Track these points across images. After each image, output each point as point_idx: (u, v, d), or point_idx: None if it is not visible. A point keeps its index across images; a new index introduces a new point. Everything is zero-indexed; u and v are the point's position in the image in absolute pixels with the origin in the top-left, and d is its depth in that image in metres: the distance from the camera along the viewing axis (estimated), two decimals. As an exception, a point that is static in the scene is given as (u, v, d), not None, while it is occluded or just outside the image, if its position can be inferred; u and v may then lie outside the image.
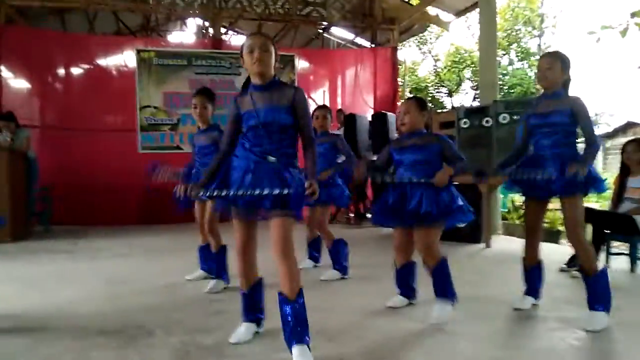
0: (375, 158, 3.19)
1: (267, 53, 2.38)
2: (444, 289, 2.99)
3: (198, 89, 3.96)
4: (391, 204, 2.99)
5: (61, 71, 8.42)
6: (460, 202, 2.98)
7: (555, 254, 4.58)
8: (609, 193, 4.61)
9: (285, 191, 2.26)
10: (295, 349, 2.26)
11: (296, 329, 2.29)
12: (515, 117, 5.43)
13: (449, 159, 3.03)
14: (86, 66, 8.52)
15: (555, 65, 2.94)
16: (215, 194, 2.36)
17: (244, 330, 2.59)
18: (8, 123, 6.53)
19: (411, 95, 3.49)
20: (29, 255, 5.23)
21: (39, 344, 2.56)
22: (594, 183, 2.86)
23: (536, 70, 3.07)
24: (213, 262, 3.87)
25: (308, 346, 2.29)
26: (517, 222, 7.37)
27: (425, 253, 3.00)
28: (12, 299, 3.48)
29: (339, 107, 9.33)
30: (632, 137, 5.00)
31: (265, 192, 2.25)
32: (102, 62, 8.57)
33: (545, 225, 6.67)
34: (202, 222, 3.94)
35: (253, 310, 2.64)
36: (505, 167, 3.13)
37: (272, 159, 2.35)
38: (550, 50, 3.17)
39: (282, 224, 2.34)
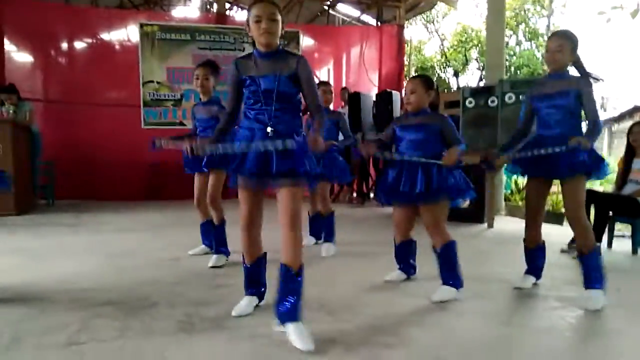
0: (379, 136, 3.18)
1: (275, 22, 2.33)
2: (450, 275, 2.96)
3: (201, 60, 3.94)
4: (392, 182, 3.00)
5: (64, 44, 8.38)
6: (461, 180, 2.98)
7: (558, 235, 4.59)
8: (613, 176, 4.60)
9: (289, 145, 2.23)
10: (292, 326, 2.23)
11: (294, 307, 2.26)
12: (521, 97, 5.38)
13: (447, 140, 3.01)
14: (89, 40, 8.47)
15: (565, 46, 2.88)
16: (221, 151, 2.35)
17: (245, 303, 2.61)
18: (10, 95, 6.50)
19: (418, 74, 3.49)
20: (33, 228, 5.27)
21: (42, 313, 2.59)
22: (597, 166, 2.83)
23: (544, 52, 3.01)
24: (214, 237, 3.90)
25: (301, 322, 2.27)
26: (520, 203, 7.35)
27: (433, 231, 3.00)
28: (16, 271, 3.52)
29: (344, 85, 9.26)
30: (639, 120, 4.96)
31: (269, 147, 2.23)
32: (105, 35, 8.51)
33: (549, 207, 6.67)
34: (200, 196, 3.93)
35: (255, 284, 2.66)
36: (508, 149, 3.11)
37: (269, 129, 2.32)
38: (559, 30, 3.09)
39: (291, 193, 2.31)
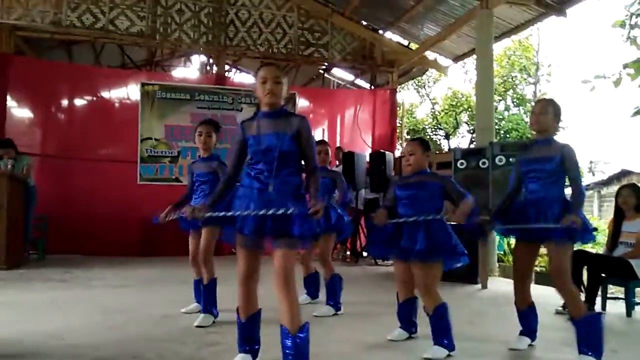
0: (372, 196, 3.28)
1: (279, 85, 2.48)
2: (442, 336, 2.96)
3: (204, 119, 4.06)
4: (390, 234, 3.05)
5: (65, 101, 8.56)
6: (456, 242, 3.03)
7: (552, 297, 4.56)
8: (603, 239, 4.66)
9: (289, 211, 2.28)
10: None
11: None
12: (511, 159, 5.53)
13: (453, 196, 3.09)
14: (90, 97, 8.67)
15: (548, 110, 3.05)
16: (221, 215, 2.41)
17: None
18: (7, 150, 6.56)
19: (415, 137, 3.62)
20: (23, 283, 5.18)
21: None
22: (583, 233, 2.90)
23: (530, 115, 3.18)
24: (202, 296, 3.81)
25: None
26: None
27: (424, 294, 3.05)
28: (6, 326, 3.44)
29: (338, 144, 9.46)
30: (627, 182, 5.10)
31: (270, 212, 2.28)
32: (106, 94, 8.73)
33: (542, 268, 6.69)
34: (195, 254, 3.91)
35: (249, 341, 2.62)
36: (499, 214, 3.19)
37: (270, 188, 2.38)
38: (546, 97, 3.28)
39: (285, 255, 2.36)
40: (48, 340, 3.07)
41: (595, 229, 3.10)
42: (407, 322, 3.29)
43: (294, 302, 2.35)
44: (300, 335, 2.30)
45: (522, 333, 3.19)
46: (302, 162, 2.55)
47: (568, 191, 3.05)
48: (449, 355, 2.92)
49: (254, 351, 2.63)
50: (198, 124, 3.96)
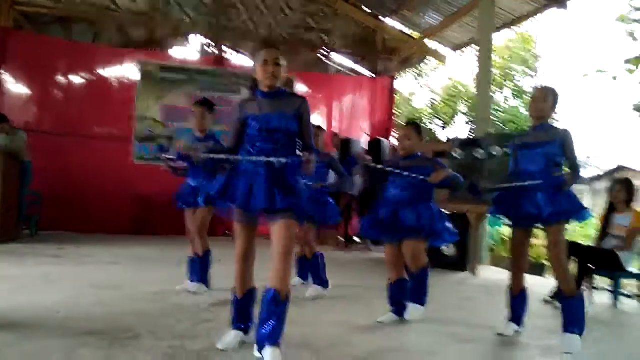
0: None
1: (279, 67, 2.53)
2: (420, 294, 3.27)
3: (199, 99, 4.07)
4: (383, 219, 3.12)
5: (62, 78, 8.50)
6: (447, 223, 3.22)
7: (539, 286, 4.64)
8: (591, 231, 4.72)
9: (283, 160, 2.40)
10: (269, 350, 2.29)
11: (275, 330, 2.33)
12: (506, 150, 5.56)
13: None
14: (88, 75, 8.62)
15: (549, 98, 3.09)
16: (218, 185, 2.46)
17: (232, 337, 2.61)
18: (3, 124, 6.55)
19: (410, 121, 3.69)
20: (16, 258, 5.20)
21: (25, 341, 2.56)
22: (578, 211, 2.97)
23: (530, 101, 3.19)
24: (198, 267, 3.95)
25: (279, 348, 2.33)
26: (504, 254, 7.45)
27: (412, 259, 3.24)
28: (-1, 298, 3.48)
29: (335, 131, 9.46)
30: (620, 178, 5.15)
31: (263, 159, 2.40)
32: (104, 72, 8.68)
33: (530, 258, 6.76)
34: (191, 231, 3.99)
35: (243, 319, 2.66)
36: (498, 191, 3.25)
37: (281, 160, 2.42)
38: (544, 85, 3.30)
39: (287, 225, 2.42)
40: (41, 313, 3.10)
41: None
42: (398, 304, 3.34)
43: (289, 272, 2.43)
44: (286, 302, 2.38)
45: (510, 319, 3.24)
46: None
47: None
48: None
49: (247, 328, 2.68)
50: (193, 103, 3.99)
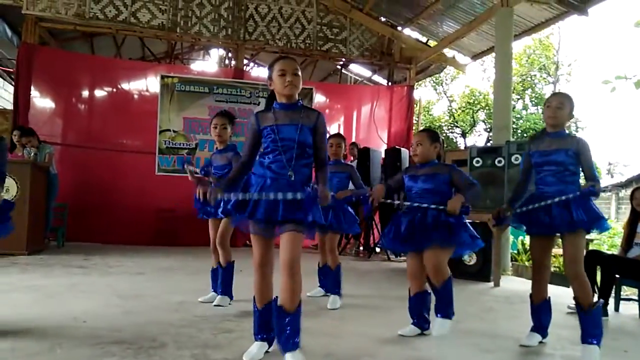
0: (388, 182, 3.34)
1: (297, 77, 2.55)
2: (446, 307, 3.16)
3: (223, 111, 4.15)
4: (403, 230, 3.10)
5: (86, 92, 8.74)
6: (470, 230, 3.15)
7: (564, 296, 4.58)
8: (619, 241, 4.64)
9: (299, 196, 2.40)
10: (289, 355, 2.41)
11: (290, 337, 2.44)
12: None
13: (459, 186, 3.17)
14: (111, 89, 8.84)
15: (565, 105, 3.06)
16: (233, 198, 2.49)
17: (256, 349, 2.61)
18: (30, 138, 6.76)
19: (424, 128, 3.68)
20: (44, 268, 5.33)
21: (52, 350, 2.63)
22: (597, 221, 2.93)
23: (545, 108, 3.15)
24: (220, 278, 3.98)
25: (299, 351, 2.45)
26: (527, 263, 7.35)
27: (434, 272, 3.14)
28: (27, 307, 3.57)
29: (353, 140, 9.49)
30: (642, 184, 5.06)
31: (279, 197, 2.39)
32: (126, 85, 8.89)
33: (555, 268, 6.66)
34: (214, 240, 4.03)
35: (266, 329, 2.67)
36: (514, 203, 3.22)
37: (291, 176, 2.48)
38: (560, 91, 3.28)
39: (292, 239, 2.46)
40: (69, 322, 3.18)
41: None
42: (419, 317, 3.30)
43: (296, 285, 2.48)
44: (298, 311, 2.46)
45: (533, 329, 3.21)
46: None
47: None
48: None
49: (270, 339, 2.69)
50: (213, 116, 4.04)
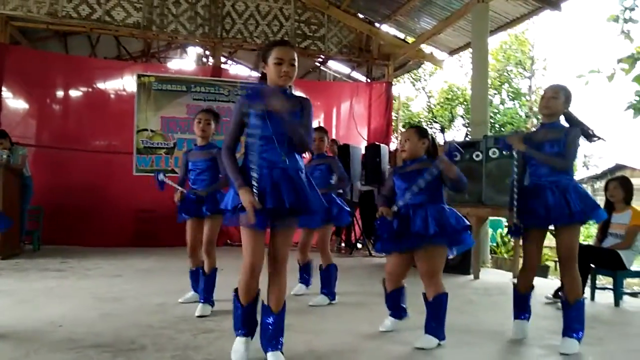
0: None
1: (294, 68, 2.48)
2: (436, 326, 2.98)
3: (205, 107, 4.09)
4: (397, 229, 2.99)
5: (60, 92, 8.54)
6: (467, 222, 3.05)
7: (543, 287, 4.65)
8: (593, 231, 4.72)
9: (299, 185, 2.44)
10: (271, 355, 2.44)
11: (274, 337, 2.47)
12: (504, 152, 5.58)
13: (447, 180, 3.04)
14: (86, 88, 8.66)
15: (559, 95, 3.06)
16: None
17: (242, 346, 2.52)
18: (2, 140, 6.58)
19: (412, 124, 3.65)
20: (19, 273, 5.22)
21: (29, 355, 2.58)
22: (594, 210, 2.96)
23: (540, 99, 3.17)
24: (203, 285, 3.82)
25: (281, 351, 2.48)
26: (506, 255, 7.46)
27: (429, 281, 3.01)
28: (1, 312, 3.49)
29: (333, 137, 9.49)
30: (615, 176, 5.17)
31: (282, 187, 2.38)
32: (101, 85, 8.72)
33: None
34: (194, 243, 3.91)
35: (250, 323, 2.58)
36: (513, 204, 3.14)
37: (285, 161, 2.44)
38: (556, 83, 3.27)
39: (288, 235, 2.47)
40: (45, 327, 3.12)
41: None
42: (396, 308, 3.30)
43: (283, 286, 2.50)
44: (282, 312, 2.49)
45: (520, 317, 3.19)
46: None
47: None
48: (438, 345, 2.96)
49: (252, 332, 2.61)
50: (197, 112, 3.96)
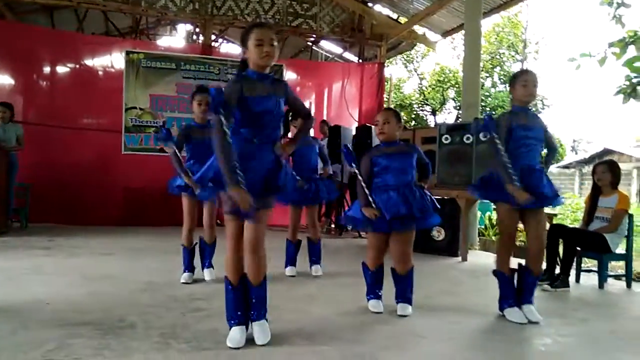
0: (360, 180, 3.25)
1: (274, 47, 2.50)
2: (409, 294, 3.28)
3: (202, 86, 4.06)
4: (393, 210, 3.10)
5: (47, 68, 8.37)
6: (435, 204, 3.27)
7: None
8: (580, 215, 4.76)
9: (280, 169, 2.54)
10: (256, 324, 2.56)
11: (257, 308, 2.56)
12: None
13: (420, 166, 3.33)
14: (73, 65, 8.49)
15: (537, 84, 3.22)
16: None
17: (238, 334, 2.52)
18: (5, 109, 6.66)
19: (388, 107, 3.69)
20: (6, 251, 5.18)
21: (17, 332, 2.57)
22: (559, 196, 3.24)
23: (524, 85, 3.18)
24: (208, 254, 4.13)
25: (266, 319, 2.59)
26: (494, 238, 7.53)
27: (404, 260, 3.24)
28: (-10, 290, 3.47)
29: (324, 118, 9.45)
30: (603, 160, 5.21)
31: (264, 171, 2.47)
32: (89, 61, 8.55)
33: (520, 242, 6.85)
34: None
35: (242, 307, 2.56)
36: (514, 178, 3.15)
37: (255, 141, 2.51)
38: (530, 70, 3.37)
39: (261, 217, 2.49)
40: (32, 306, 3.10)
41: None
42: (379, 287, 3.38)
43: (262, 260, 2.55)
44: (263, 284, 2.57)
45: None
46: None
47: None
48: None
49: (246, 321, 2.58)
50: (193, 92, 3.93)
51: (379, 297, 3.36)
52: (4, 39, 7.88)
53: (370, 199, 3.16)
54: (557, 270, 4.43)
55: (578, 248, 4.49)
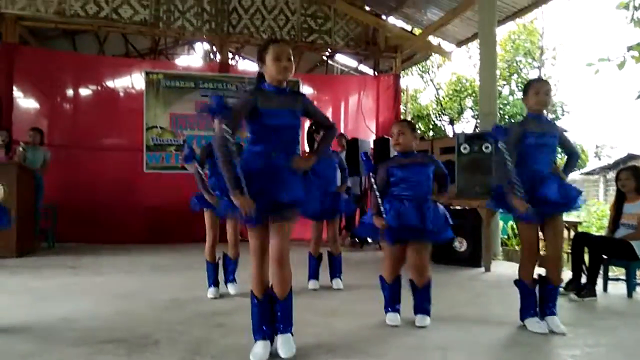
0: (374, 191, 3.28)
1: (291, 63, 2.57)
2: (427, 305, 3.28)
3: None
4: (408, 222, 3.11)
5: (70, 91, 8.59)
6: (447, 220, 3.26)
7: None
8: (606, 222, 4.67)
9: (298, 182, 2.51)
10: (281, 337, 2.56)
11: (282, 321, 2.56)
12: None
13: (439, 177, 3.33)
14: (95, 87, 8.70)
15: (550, 92, 3.23)
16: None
17: (262, 349, 2.53)
18: (36, 133, 6.95)
19: (402, 118, 3.71)
20: (34, 270, 5.29)
21: (46, 351, 2.62)
22: (569, 203, 3.17)
23: (537, 93, 3.17)
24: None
25: (291, 333, 2.59)
26: (517, 247, 7.42)
27: (422, 271, 3.25)
28: (19, 310, 3.55)
29: (341, 131, 9.49)
30: (627, 166, 5.12)
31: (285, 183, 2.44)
32: (110, 83, 8.76)
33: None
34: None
35: (267, 322, 2.58)
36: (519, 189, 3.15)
37: (273, 155, 2.51)
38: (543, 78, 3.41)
39: (283, 230, 2.51)
40: (60, 324, 3.17)
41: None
42: (397, 300, 3.37)
43: (288, 274, 2.56)
44: (289, 298, 2.58)
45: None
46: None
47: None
48: None
49: (272, 336, 2.60)
50: None
51: (396, 311, 3.35)
52: (28, 64, 8.13)
53: (382, 209, 3.16)
54: (584, 280, 4.34)
55: (604, 256, 4.40)
